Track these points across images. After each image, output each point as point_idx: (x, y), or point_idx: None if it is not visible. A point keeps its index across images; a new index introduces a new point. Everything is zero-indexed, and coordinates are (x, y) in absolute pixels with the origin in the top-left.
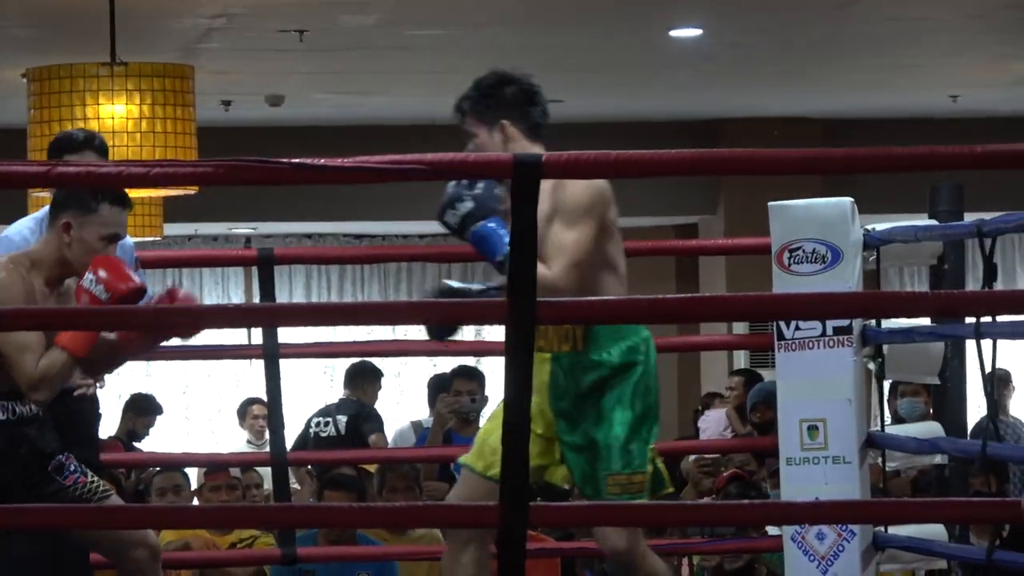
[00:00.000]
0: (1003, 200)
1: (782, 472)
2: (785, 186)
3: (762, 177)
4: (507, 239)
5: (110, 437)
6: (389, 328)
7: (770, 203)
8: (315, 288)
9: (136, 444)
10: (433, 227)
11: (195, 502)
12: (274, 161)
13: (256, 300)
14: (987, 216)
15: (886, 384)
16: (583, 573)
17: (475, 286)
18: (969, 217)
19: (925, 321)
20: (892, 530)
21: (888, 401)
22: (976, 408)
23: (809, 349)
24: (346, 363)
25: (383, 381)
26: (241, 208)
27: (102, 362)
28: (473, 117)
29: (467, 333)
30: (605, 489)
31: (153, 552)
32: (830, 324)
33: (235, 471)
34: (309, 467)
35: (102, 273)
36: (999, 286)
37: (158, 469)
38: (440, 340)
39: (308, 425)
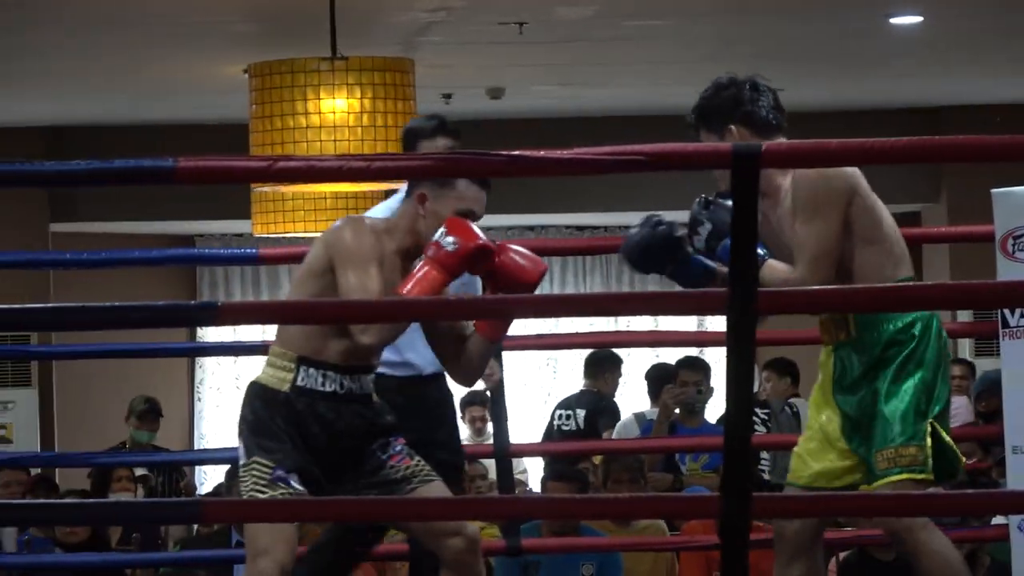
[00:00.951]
0: None
1: (1008, 461)
2: (1009, 173)
3: (985, 164)
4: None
5: None
6: (611, 320)
7: (993, 190)
8: None
9: None
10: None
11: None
12: (491, 153)
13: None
14: None
15: None
16: None
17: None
18: None
19: None
20: None
21: None
22: None
23: None
24: (570, 354)
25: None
26: None
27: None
28: (703, 128)
29: (689, 323)
30: (875, 466)
31: (470, 542)
32: None
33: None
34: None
35: (452, 229)
36: None
37: None
38: (646, 273)
39: (552, 417)
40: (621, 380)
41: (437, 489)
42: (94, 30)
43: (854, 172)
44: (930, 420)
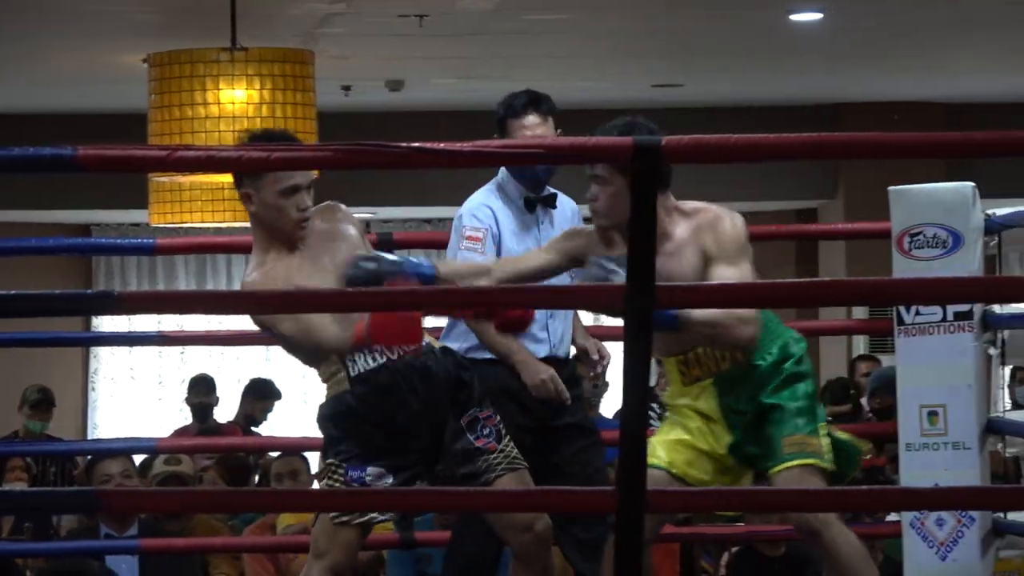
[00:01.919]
0: None
1: (901, 458)
2: (906, 170)
3: (882, 161)
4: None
5: (229, 422)
6: None
7: (890, 188)
8: None
9: (254, 429)
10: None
11: (315, 486)
12: (393, 145)
13: None
14: None
15: (1007, 369)
16: (701, 558)
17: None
18: None
19: None
20: (1012, 516)
21: (1008, 387)
22: None
23: (929, 334)
24: None
25: None
26: (360, 193)
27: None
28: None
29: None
30: (781, 451)
31: (538, 538)
32: (951, 309)
33: None
34: None
35: None
36: None
37: (278, 454)
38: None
39: None
40: None
41: (513, 480)
42: None
43: None
44: (820, 424)
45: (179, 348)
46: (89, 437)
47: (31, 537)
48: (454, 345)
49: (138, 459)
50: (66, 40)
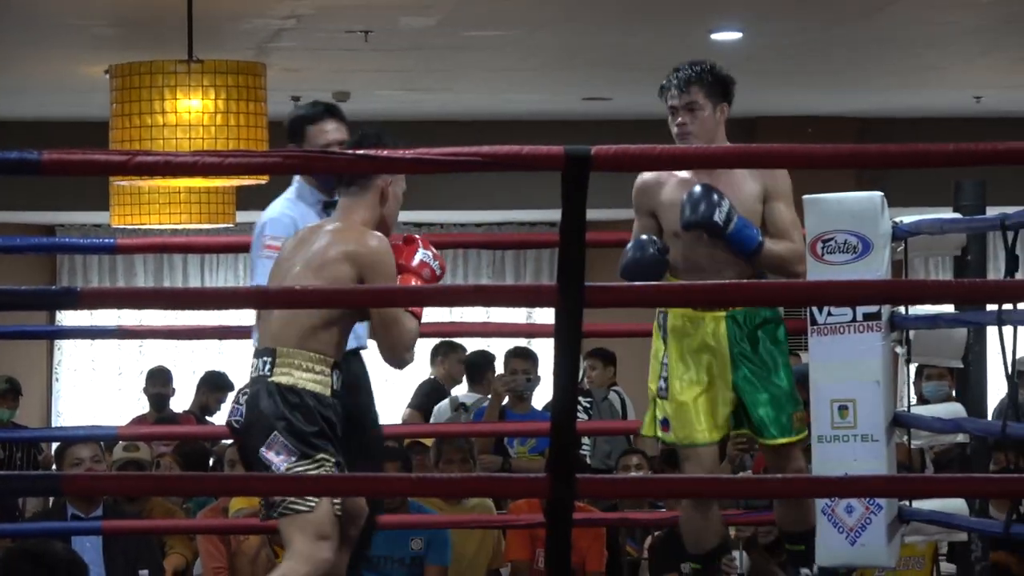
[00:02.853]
0: (1023, 195)
1: (814, 449)
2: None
3: (797, 172)
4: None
5: (184, 411)
6: (446, 311)
7: (804, 196)
8: None
9: (208, 418)
10: (488, 216)
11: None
12: (338, 152)
13: None
14: (1009, 210)
15: (912, 367)
16: (626, 542)
17: None
18: (991, 211)
19: (949, 308)
20: (916, 504)
21: (914, 383)
22: (996, 391)
23: (840, 333)
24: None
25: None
26: None
27: None
28: (703, 88)
29: (519, 315)
30: (792, 424)
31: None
32: (860, 310)
33: None
34: None
35: (429, 246)
36: (1020, 276)
37: (231, 442)
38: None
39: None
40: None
41: None
42: None
43: None
44: None
45: (138, 341)
46: (53, 425)
47: None
48: None
49: None
50: (32, 52)
